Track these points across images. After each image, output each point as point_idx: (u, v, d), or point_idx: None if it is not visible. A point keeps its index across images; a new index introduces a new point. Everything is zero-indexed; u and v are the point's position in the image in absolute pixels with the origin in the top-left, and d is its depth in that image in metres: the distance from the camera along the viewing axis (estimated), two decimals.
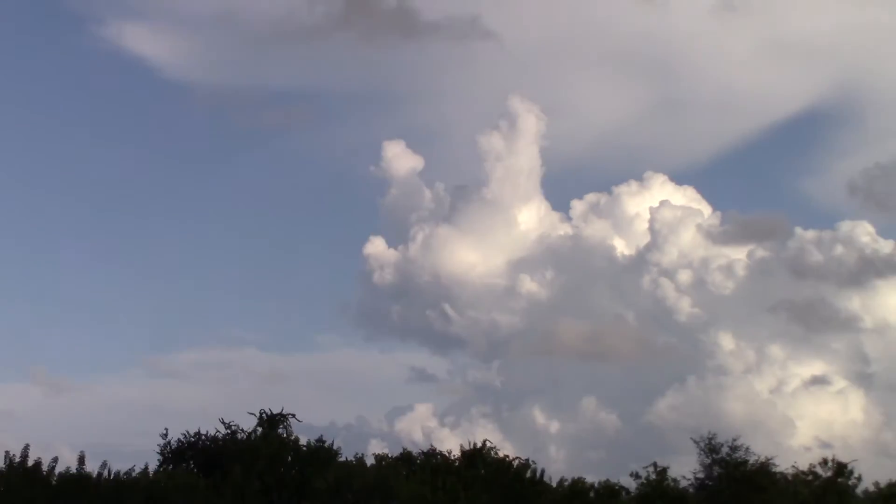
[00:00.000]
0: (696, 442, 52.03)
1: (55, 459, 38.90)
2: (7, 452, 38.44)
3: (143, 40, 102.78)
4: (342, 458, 44.64)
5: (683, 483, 51.43)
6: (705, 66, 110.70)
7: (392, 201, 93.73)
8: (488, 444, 49.03)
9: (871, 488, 54.82)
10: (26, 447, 38.54)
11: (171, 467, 42.07)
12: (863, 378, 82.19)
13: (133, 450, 72.27)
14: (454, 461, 47.90)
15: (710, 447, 51.42)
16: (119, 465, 40.02)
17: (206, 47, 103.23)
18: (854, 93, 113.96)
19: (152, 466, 41.68)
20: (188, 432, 43.80)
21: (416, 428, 75.17)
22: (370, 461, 47.22)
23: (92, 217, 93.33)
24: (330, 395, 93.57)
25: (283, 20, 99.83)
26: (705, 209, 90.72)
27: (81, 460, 39.28)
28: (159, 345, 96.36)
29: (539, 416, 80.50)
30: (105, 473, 39.39)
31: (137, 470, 40.24)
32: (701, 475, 51.64)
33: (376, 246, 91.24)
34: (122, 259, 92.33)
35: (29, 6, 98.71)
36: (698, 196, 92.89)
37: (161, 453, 43.15)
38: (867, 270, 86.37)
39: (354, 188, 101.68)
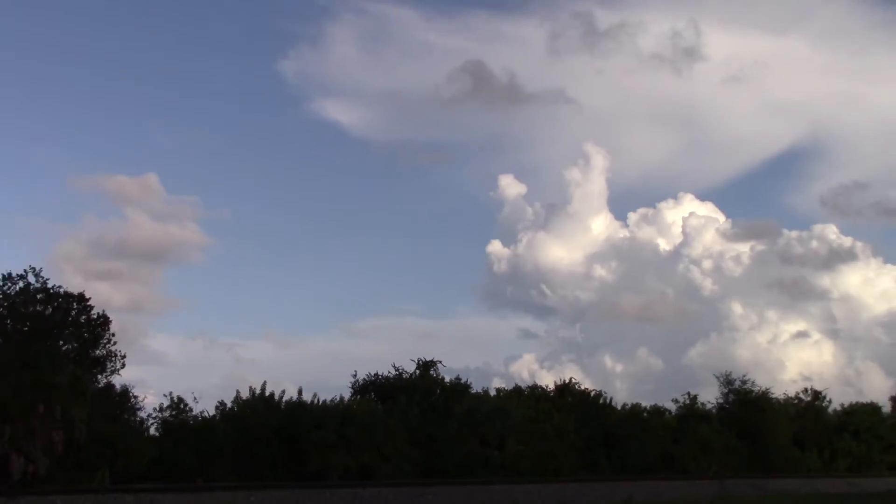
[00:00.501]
0: (717, 378, 57.76)
1: (283, 391, 42.12)
2: (251, 387, 41.68)
3: (338, 111, 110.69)
4: (473, 391, 47.27)
5: (708, 406, 56.26)
6: (719, 119, 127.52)
7: (505, 216, 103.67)
8: (573, 380, 52.80)
9: (838, 408, 61.84)
10: (264, 383, 41.88)
11: (358, 397, 45.02)
12: (832, 333, 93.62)
13: (334, 385, 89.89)
14: (550, 392, 51.23)
15: (726, 381, 57.06)
16: (324, 396, 42.98)
17: (381, 113, 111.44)
18: (822, 136, 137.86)
19: (346, 396, 44.86)
20: (370, 374, 47.28)
21: (524, 370, 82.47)
22: (493, 392, 50.21)
23: (314, 226, 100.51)
24: (465, 348, 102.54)
25: (432, 93, 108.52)
26: (720, 217, 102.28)
27: (300, 392, 42.26)
28: (351, 314, 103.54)
29: (608, 361, 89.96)
30: (315, 401, 42.12)
31: (336, 399, 43.39)
32: (720, 401, 56.89)
33: (494, 246, 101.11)
34: (331, 254, 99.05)
35: (260, 90, 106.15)
36: (715, 208, 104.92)
37: (352, 388, 46.65)
38: (834, 258, 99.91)
39: (480, 207, 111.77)
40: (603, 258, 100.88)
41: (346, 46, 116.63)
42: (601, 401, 52.09)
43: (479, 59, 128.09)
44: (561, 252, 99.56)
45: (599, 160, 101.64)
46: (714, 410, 56.20)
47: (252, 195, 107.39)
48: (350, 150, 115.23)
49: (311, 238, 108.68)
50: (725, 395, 56.94)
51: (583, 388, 52.74)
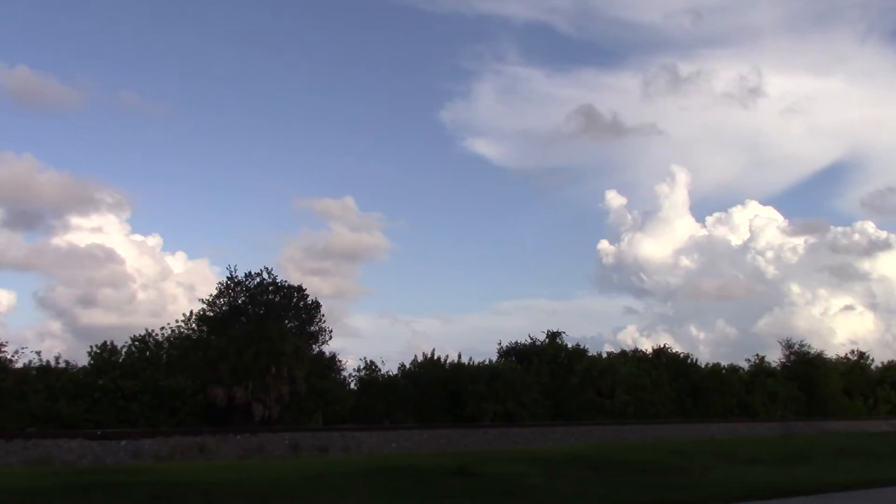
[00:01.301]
0: (780, 342, 55.99)
1: (447, 356, 42.25)
2: (423, 353, 42.17)
3: (483, 147, 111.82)
4: (589, 354, 46.90)
5: (773, 364, 54.48)
6: (777, 142, 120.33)
7: (611, 221, 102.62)
8: (666, 346, 52.33)
9: (879, 365, 59.19)
10: (433, 350, 42.41)
11: (502, 360, 44.90)
12: (872, 306, 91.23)
13: (483, 351, 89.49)
14: (648, 355, 50.70)
15: (787, 345, 55.27)
16: (477, 359, 43.08)
17: (515, 147, 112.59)
18: (859, 152, 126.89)
19: (493, 359, 44.75)
20: (511, 342, 47.10)
21: (628, 338, 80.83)
22: (604, 355, 49.80)
23: (468, 233, 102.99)
24: (582, 322, 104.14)
25: (554, 130, 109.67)
26: (779, 218, 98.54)
27: (459, 356, 42.46)
28: (496, 297, 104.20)
29: (693, 330, 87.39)
30: (471, 363, 42.09)
31: (486, 361, 43.26)
32: (783, 360, 54.98)
33: (603, 244, 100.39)
34: (480, 253, 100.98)
35: (426, 134, 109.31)
36: (775, 211, 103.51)
37: (498, 353, 46.63)
38: (873, 248, 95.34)
39: (592, 215, 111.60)
40: (687, 251, 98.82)
41: (488, 98, 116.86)
42: (689, 361, 50.87)
43: (589, 103, 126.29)
44: (654, 248, 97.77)
45: (683, 176, 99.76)
46: (778, 368, 54.40)
47: (422, 210, 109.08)
48: (493, 175, 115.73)
49: (466, 241, 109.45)
50: (787, 356, 55.02)
51: (674, 351, 51.95)
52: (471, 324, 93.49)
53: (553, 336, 46.85)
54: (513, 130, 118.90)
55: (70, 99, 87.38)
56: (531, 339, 46.99)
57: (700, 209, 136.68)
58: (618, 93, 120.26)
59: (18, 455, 22.46)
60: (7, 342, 31.31)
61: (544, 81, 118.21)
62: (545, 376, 43.27)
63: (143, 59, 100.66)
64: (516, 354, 46.02)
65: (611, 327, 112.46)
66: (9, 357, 30.92)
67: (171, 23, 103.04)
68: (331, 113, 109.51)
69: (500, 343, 47.54)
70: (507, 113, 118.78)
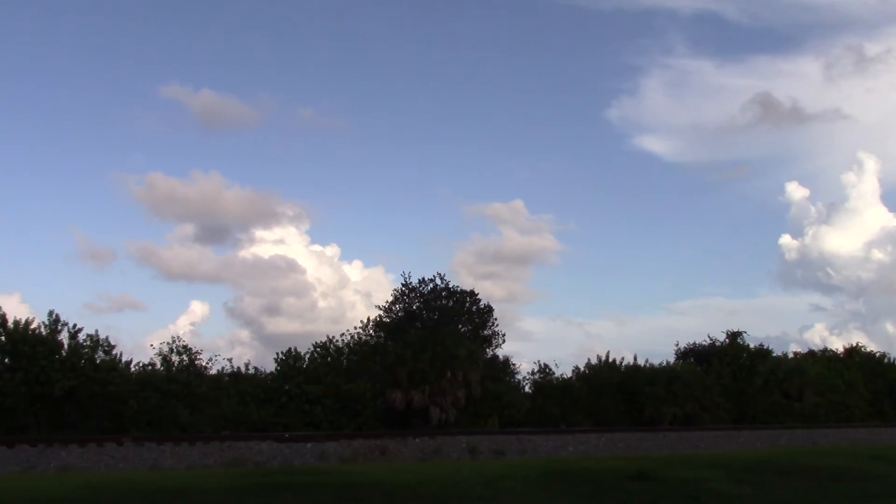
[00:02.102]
0: None
1: (622, 358, 41.53)
2: (598, 355, 41.83)
3: (653, 143, 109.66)
4: (774, 354, 45.04)
5: None
6: None
7: (793, 215, 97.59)
8: (859, 344, 49.54)
9: None
10: (608, 352, 41.66)
11: (680, 361, 43.88)
12: None
13: (660, 352, 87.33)
14: (839, 354, 48.38)
15: None
16: (653, 361, 42.04)
17: (687, 142, 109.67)
18: None
19: (671, 361, 43.80)
20: (689, 343, 45.86)
21: (816, 337, 78.10)
22: (790, 356, 47.95)
23: (640, 233, 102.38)
24: (764, 321, 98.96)
25: (728, 121, 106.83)
26: None
27: (635, 358, 41.61)
28: (672, 297, 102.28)
29: (889, 328, 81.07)
30: (647, 365, 41.07)
31: (663, 363, 42.27)
32: None
33: (785, 239, 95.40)
34: (654, 252, 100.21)
35: (593, 133, 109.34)
36: None
37: (675, 354, 45.60)
38: None
39: (771, 209, 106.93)
40: (880, 244, 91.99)
41: (656, 94, 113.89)
42: (885, 360, 47.90)
43: (766, 91, 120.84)
44: (842, 241, 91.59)
45: (871, 164, 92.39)
46: None
47: (592, 210, 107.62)
48: (664, 172, 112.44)
49: (638, 241, 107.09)
50: None
51: (868, 350, 49.08)
52: (646, 325, 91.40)
53: (734, 336, 45.37)
54: (683, 125, 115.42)
55: (251, 118, 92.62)
56: (710, 339, 45.71)
57: (892, 198, 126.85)
58: (797, 78, 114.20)
59: (215, 456, 23.96)
60: (202, 350, 33.63)
61: (715, 72, 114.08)
62: (726, 378, 42.04)
63: (318, 77, 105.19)
64: (695, 356, 44.89)
65: (796, 326, 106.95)
66: (204, 364, 33.10)
67: (343, 39, 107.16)
68: (498, 118, 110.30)
69: (677, 344, 46.63)
70: (677, 107, 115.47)
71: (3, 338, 28.87)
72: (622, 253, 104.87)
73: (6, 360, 28.57)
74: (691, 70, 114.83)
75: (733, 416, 40.75)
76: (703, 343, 45.52)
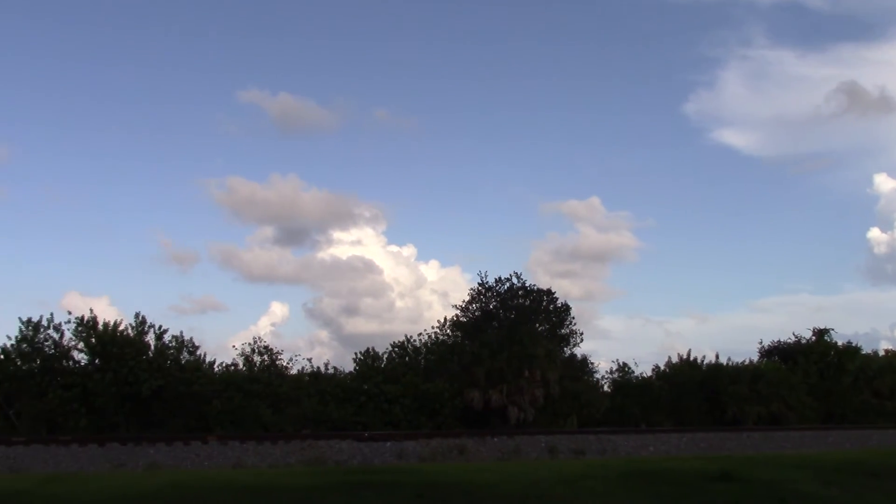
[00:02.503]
0: None
1: (704, 356, 40.85)
2: (679, 354, 41.21)
3: (732, 137, 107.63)
4: (863, 352, 43.80)
5: None
6: None
7: (881, 207, 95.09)
8: None
9: None
10: (689, 350, 41.14)
11: (764, 360, 43.11)
12: None
13: (742, 351, 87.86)
14: None
15: None
16: (736, 359, 41.27)
17: (768, 134, 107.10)
18: None
19: (754, 359, 42.98)
20: (773, 341, 44.75)
21: None
22: (881, 353, 46.65)
23: (720, 227, 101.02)
24: (852, 317, 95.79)
25: (812, 113, 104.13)
26: None
27: (717, 357, 40.83)
28: (754, 294, 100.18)
29: None
30: (729, 363, 40.38)
31: (746, 361, 41.52)
32: None
33: (874, 233, 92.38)
34: (734, 248, 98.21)
35: (670, 129, 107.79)
36: None
37: (759, 352, 44.71)
38: None
39: (858, 202, 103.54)
40: None
41: (734, 86, 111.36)
42: None
43: (851, 80, 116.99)
44: None
45: None
46: None
47: (671, 207, 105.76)
48: (744, 166, 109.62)
49: (719, 237, 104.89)
50: None
51: None
52: (728, 322, 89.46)
53: (820, 333, 44.09)
54: (764, 117, 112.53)
55: (327, 120, 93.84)
56: (795, 336, 44.59)
57: None
58: (885, 66, 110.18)
59: (297, 455, 24.40)
60: (282, 350, 34.36)
61: (796, 62, 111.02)
62: (813, 377, 41.04)
63: (392, 77, 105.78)
64: (779, 353, 43.86)
65: (887, 322, 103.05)
66: (284, 364, 33.72)
67: (414, 39, 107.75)
68: (572, 113, 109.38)
69: (760, 342, 45.68)
70: (757, 99, 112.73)
71: (93, 340, 29.89)
72: (702, 249, 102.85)
73: (96, 361, 29.63)
74: (771, 61, 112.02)
75: (821, 415, 39.71)
76: (788, 341, 44.48)
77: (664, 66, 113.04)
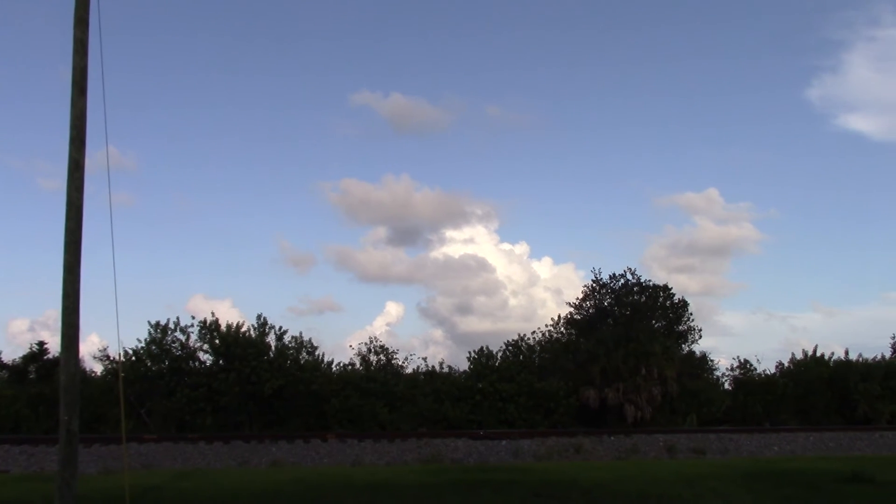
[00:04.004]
0: None
1: (832, 353, 38.57)
2: (804, 350, 38.90)
3: (859, 122, 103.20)
4: None
5: None
6: None
7: None
8: None
9: None
10: (815, 346, 38.92)
11: None
12: None
13: (874, 346, 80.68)
14: None
15: None
16: (867, 355, 39.19)
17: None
18: None
19: (887, 355, 40.16)
20: None
21: None
22: None
23: (847, 218, 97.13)
24: None
25: None
26: None
27: (846, 353, 38.78)
28: (889, 285, 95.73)
29: None
30: (860, 359, 38.25)
31: (878, 357, 38.98)
32: None
33: None
34: (867, 237, 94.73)
35: (791, 115, 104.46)
36: None
37: (892, 348, 41.49)
38: None
39: None
40: None
41: (861, 69, 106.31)
42: None
43: None
44: None
45: None
46: None
47: (795, 197, 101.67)
48: (873, 152, 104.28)
49: (847, 226, 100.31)
50: None
51: None
52: (858, 316, 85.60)
53: None
54: (893, 101, 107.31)
55: (439, 119, 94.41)
56: None
57: None
58: None
59: (413, 453, 24.76)
60: (398, 350, 34.87)
61: None
62: None
63: (503, 73, 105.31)
64: None
65: None
66: (400, 363, 34.22)
67: (523, 33, 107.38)
68: (686, 103, 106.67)
69: (893, 336, 42.79)
70: (886, 82, 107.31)
71: (217, 341, 31.05)
72: (829, 240, 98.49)
73: (221, 362, 30.75)
74: None
75: None
76: None
77: (786, 51, 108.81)
